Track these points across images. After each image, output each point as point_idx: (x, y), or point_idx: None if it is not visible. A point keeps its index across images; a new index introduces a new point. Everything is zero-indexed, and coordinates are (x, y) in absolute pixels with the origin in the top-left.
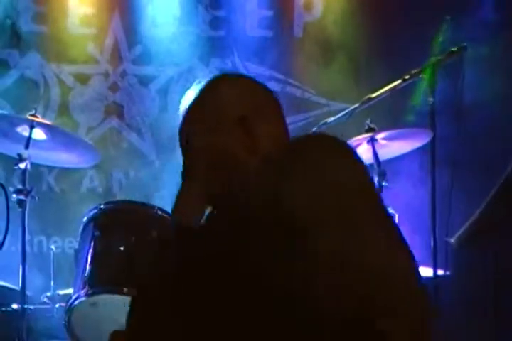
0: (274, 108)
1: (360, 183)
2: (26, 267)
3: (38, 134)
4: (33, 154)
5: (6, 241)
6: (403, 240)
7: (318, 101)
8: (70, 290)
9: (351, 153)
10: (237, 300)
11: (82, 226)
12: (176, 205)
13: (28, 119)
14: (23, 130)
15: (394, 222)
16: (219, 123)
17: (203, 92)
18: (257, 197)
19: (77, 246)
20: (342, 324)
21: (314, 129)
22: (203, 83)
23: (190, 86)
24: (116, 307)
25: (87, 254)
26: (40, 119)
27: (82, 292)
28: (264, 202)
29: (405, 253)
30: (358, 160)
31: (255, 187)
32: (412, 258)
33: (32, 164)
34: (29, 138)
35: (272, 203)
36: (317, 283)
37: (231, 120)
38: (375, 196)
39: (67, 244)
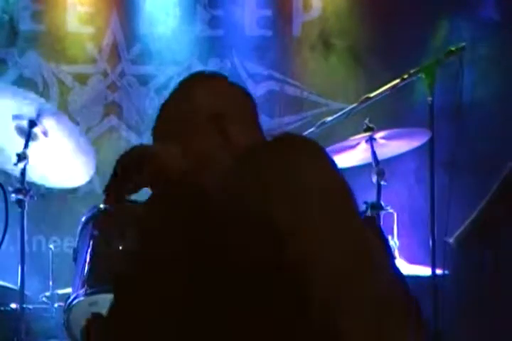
0: (249, 110)
1: (338, 185)
2: (25, 267)
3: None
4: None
5: (5, 241)
6: (385, 240)
7: (317, 100)
8: (69, 290)
9: (326, 154)
10: (229, 302)
11: (80, 226)
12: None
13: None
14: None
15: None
16: (193, 123)
17: (178, 91)
18: (233, 201)
19: (75, 246)
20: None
21: (313, 129)
22: (179, 82)
23: None
24: None
25: (86, 254)
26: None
27: (81, 291)
28: (242, 205)
29: (382, 254)
30: (332, 161)
31: (231, 188)
32: (390, 257)
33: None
34: (28, 138)
35: (251, 207)
36: (310, 283)
37: (204, 118)
38: (352, 197)
39: (65, 243)
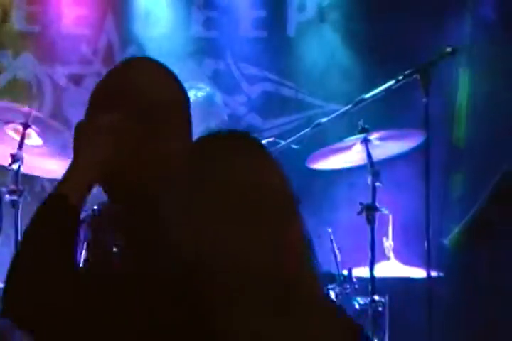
0: (183, 111)
1: (268, 183)
2: None
3: (33, 140)
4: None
5: None
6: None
7: (312, 101)
8: None
9: (264, 152)
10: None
11: None
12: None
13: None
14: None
15: (303, 230)
16: (136, 110)
17: (112, 75)
18: (164, 210)
19: None
20: None
21: (308, 130)
22: (114, 67)
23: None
24: None
25: (80, 255)
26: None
27: None
28: (171, 213)
29: (295, 257)
30: (270, 158)
31: (165, 196)
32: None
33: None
34: (22, 138)
35: (177, 215)
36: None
37: (146, 109)
38: (284, 197)
39: None
